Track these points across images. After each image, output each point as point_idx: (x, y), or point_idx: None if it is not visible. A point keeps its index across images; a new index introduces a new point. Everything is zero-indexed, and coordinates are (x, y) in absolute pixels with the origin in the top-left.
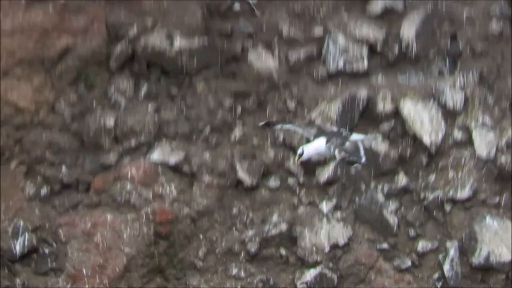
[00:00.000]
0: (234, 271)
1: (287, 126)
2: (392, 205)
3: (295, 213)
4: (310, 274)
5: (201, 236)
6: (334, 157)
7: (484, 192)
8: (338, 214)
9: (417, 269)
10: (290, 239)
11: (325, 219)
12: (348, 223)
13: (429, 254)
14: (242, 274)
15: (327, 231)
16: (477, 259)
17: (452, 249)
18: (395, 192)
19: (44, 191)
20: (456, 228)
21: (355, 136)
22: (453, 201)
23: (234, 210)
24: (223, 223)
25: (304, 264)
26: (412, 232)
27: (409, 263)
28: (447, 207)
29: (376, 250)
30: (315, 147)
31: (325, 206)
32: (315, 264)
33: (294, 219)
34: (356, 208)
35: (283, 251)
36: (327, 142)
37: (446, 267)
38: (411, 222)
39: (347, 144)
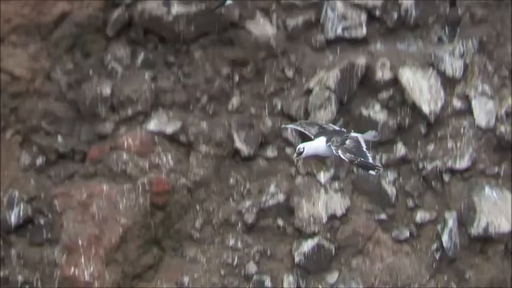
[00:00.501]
0: (231, 242)
1: (290, 125)
2: (391, 176)
3: (292, 184)
4: (307, 245)
5: (197, 207)
6: (339, 158)
7: (483, 162)
8: (336, 184)
9: (415, 240)
10: (287, 209)
11: (322, 190)
12: (346, 194)
13: (428, 224)
14: (239, 245)
15: (325, 201)
16: (476, 229)
17: (451, 219)
18: (394, 162)
19: (39, 161)
20: (454, 199)
21: (355, 134)
22: (452, 171)
23: (231, 181)
24: (220, 194)
25: (302, 235)
26: (410, 203)
27: (407, 234)
28: (446, 177)
29: (374, 220)
30: (315, 146)
31: (323, 177)
32: (312, 235)
33: (291, 189)
34: (354, 178)
35: (280, 222)
36: (327, 141)
37: (445, 238)
38: (410, 192)
39: (348, 142)
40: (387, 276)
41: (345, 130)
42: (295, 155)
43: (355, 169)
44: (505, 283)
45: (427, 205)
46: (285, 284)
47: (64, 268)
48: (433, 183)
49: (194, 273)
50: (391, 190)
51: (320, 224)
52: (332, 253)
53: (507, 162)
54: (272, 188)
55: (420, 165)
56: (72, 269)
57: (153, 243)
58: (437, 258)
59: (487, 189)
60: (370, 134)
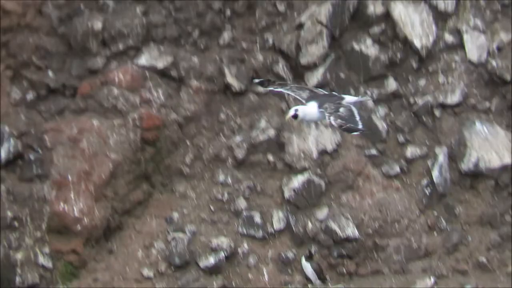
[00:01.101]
0: (221, 178)
1: (279, 89)
2: (382, 110)
3: (283, 119)
4: (297, 181)
5: (188, 142)
6: (331, 124)
7: (474, 97)
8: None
9: (405, 175)
10: (278, 145)
11: (313, 125)
12: (336, 129)
13: (418, 160)
14: (229, 180)
15: (315, 137)
16: (466, 165)
17: (441, 155)
18: (385, 97)
19: (30, 96)
20: (445, 134)
21: (348, 99)
22: (443, 106)
23: (222, 116)
24: (211, 129)
25: (292, 170)
26: (401, 138)
27: (397, 169)
28: (437, 113)
29: (364, 156)
30: (308, 112)
31: None
32: (302, 170)
33: (282, 125)
34: None
35: (270, 157)
36: (319, 107)
37: (435, 173)
38: (400, 127)
39: (341, 110)
40: (377, 211)
41: (336, 94)
42: (288, 116)
43: None
44: (495, 218)
45: (418, 140)
46: (275, 220)
47: (53, 203)
48: (424, 118)
49: (183, 209)
50: (382, 125)
51: (310, 159)
52: (322, 188)
53: (498, 97)
54: (262, 124)
55: (411, 100)
56: (62, 205)
57: (143, 179)
58: (427, 193)
59: (478, 124)
60: (363, 99)
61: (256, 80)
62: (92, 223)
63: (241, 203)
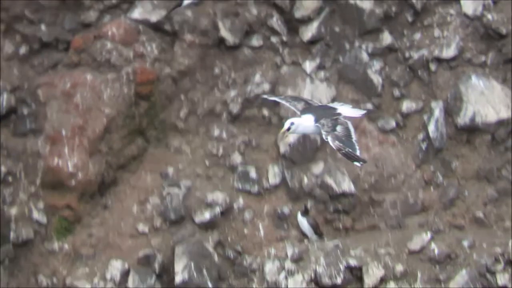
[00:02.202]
0: (216, 132)
1: (273, 98)
2: (377, 65)
3: (278, 73)
4: (293, 135)
5: (182, 97)
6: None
7: (470, 51)
8: (322, 74)
9: (401, 130)
10: None
11: (308, 79)
12: (331, 83)
13: (414, 114)
14: (224, 135)
15: (311, 91)
16: (463, 119)
17: (437, 109)
18: (380, 51)
19: (23, 50)
20: (441, 88)
21: (343, 109)
22: (439, 60)
23: (216, 70)
24: (205, 83)
25: None
26: (396, 92)
27: (393, 124)
28: (432, 66)
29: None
30: (304, 125)
31: (308, 66)
32: None
33: (277, 79)
34: (340, 67)
35: (265, 112)
36: (316, 121)
37: (431, 128)
38: (396, 82)
39: (339, 128)
40: (373, 166)
41: (331, 106)
42: (283, 130)
43: (341, 58)
44: (491, 173)
45: (414, 94)
46: (270, 175)
47: (47, 158)
48: (419, 72)
49: (178, 164)
50: (377, 79)
51: None
52: (317, 143)
53: (494, 50)
54: (257, 78)
55: (407, 54)
56: (56, 160)
57: (137, 134)
58: (424, 148)
59: (473, 78)
60: (359, 112)
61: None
62: (87, 178)
63: (236, 158)
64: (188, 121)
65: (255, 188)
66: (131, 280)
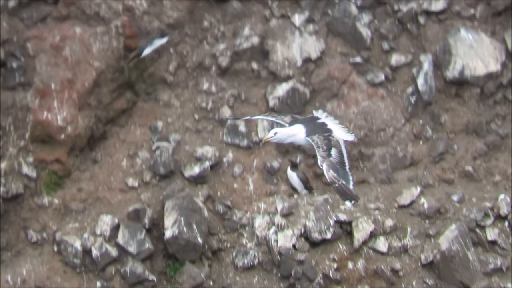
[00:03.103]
0: (205, 86)
1: (258, 117)
2: (366, 18)
3: (267, 26)
4: (282, 89)
5: (171, 50)
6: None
7: (459, 4)
8: (311, 27)
9: (390, 83)
10: (261, 52)
11: (297, 32)
12: (320, 37)
13: (403, 68)
14: (213, 88)
15: (300, 44)
16: (452, 72)
17: (426, 62)
18: (369, 4)
19: (12, 3)
20: (430, 41)
21: (333, 127)
22: (427, 13)
23: (205, 23)
24: (194, 37)
25: (276, 78)
26: (385, 46)
27: (382, 77)
28: (421, 19)
29: (349, 64)
30: (292, 133)
31: (298, 19)
32: (287, 78)
33: (266, 32)
34: (329, 20)
35: (254, 65)
36: (308, 135)
37: (420, 81)
38: (385, 35)
39: (333, 152)
40: (362, 120)
41: (318, 117)
42: (266, 138)
43: (330, 11)
44: (480, 127)
45: (403, 47)
46: (260, 129)
47: (36, 112)
48: (408, 25)
49: (167, 118)
50: (366, 32)
51: (294, 67)
52: (306, 97)
53: (482, 3)
54: (246, 31)
55: (396, 7)
56: (45, 114)
57: (127, 87)
58: (413, 102)
59: (462, 31)
60: (349, 136)
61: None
62: (76, 132)
63: (226, 112)
64: (177, 74)
65: (244, 142)
66: (120, 235)
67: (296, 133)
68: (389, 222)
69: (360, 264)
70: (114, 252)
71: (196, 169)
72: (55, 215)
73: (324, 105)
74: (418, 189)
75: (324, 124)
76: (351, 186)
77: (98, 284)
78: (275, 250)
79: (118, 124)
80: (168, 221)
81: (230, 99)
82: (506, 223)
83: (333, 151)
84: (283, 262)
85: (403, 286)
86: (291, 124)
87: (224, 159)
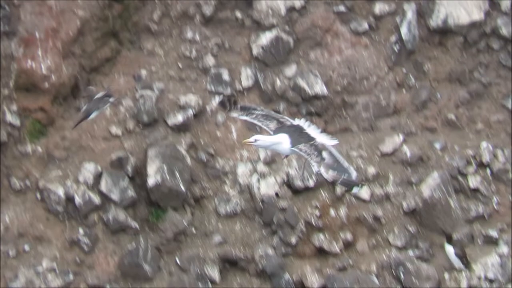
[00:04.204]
0: (189, 35)
1: (244, 117)
2: None
3: None
4: (266, 37)
5: None
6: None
7: None
8: None
9: (374, 32)
10: (246, 1)
11: None
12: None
13: (386, 16)
14: (197, 37)
15: None
16: (435, 21)
17: (410, 11)
18: None
19: None
20: None
21: (316, 136)
22: None
23: None
24: None
25: (260, 27)
26: None
27: (366, 26)
28: None
29: (332, 12)
30: (276, 142)
31: None
32: (271, 28)
33: None
34: None
35: (238, 14)
36: (293, 145)
37: (404, 30)
38: None
39: (325, 155)
40: (345, 68)
41: (301, 126)
42: (247, 140)
43: None
44: (464, 75)
45: None
46: (243, 77)
47: (21, 61)
48: None
49: (151, 66)
50: None
51: (278, 16)
52: (290, 45)
53: None
54: None
55: None
56: (29, 62)
57: (111, 36)
58: (396, 50)
59: None
60: (332, 141)
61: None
62: (60, 80)
63: (209, 60)
64: (161, 23)
65: (228, 91)
66: (103, 183)
67: (280, 142)
68: (371, 170)
69: (342, 211)
70: (97, 199)
71: (180, 118)
72: (38, 163)
73: (308, 54)
74: (401, 137)
75: (307, 134)
76: (353, 177)
77: (81, 231)
78: (258, 198)
79: (102, 72)
80: (151, 169)
81: (214, 47)
82: (488, 171)
83: (324, 154)
84: (266, 210)
85: (385, 233)
86: (275, 132)
87: (208, 108)
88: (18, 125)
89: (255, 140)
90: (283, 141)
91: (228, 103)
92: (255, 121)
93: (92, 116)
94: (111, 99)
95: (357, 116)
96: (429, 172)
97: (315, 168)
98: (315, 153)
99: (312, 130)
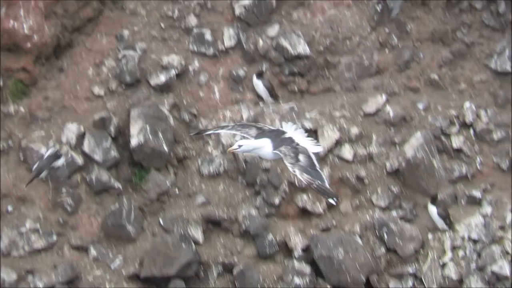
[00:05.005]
0: None
1: (220, 131)
2: None
3: None
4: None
5: None
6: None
7: None
8: None
9: None
10: None
11: None
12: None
13: None
14: None
15: None
16: None
17: None
18: None
19: None
20: None
21: (300, 140)
22: None
23: None
24: None
25: None
26: None
27: None
28: None
29: None
30: (258, 146)
31: None
32: None
33: None
34: None
35: None
36: (275, 148)
37: None
38: None
39: (301, 158)
40: (328, 28)
41: (283, 130)
42: (231, 149)
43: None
44: (446, 35)
45: None
46: (226, 37)
47: (3, 21)
48: None
49: (134, 26)
50: None
51: None
52: (273, 5)
53: None
54: None
55: None
56: (11, 22)
57: None
58: (379, 10)
59: None
60: (316, 147)
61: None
62: (42, 40)
63: (192, 20)
64: None
65: (210, 51)
66: (86, 143)
67: (263, 146)
68: (354, 130)
69: (326, 171)
70: (79, 160)
71: (162, 78)
72: (21, 123)
73: (290, 14)
74: (384, 97)
75: (290, 138)
76: (327, 185)
77: (64, 191)
78: (241, 158)
79: (84, 32)
80: (134, 129)
81: (196, 7)
82: (472, 131)
83: (301, 157)
84: (249, 170)
85: (368, 194)
86: (257, 137)
87: (190, 68)
88: (0, 86)
89: (239, 146)
90: (265, 145)
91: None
92: (233, 131)
93: (43, 174)
94: (59, 160)
95: (340, 76)
96: (412, 132)
97: (290, 168)
98: (292, 154)
99: (298, 134)
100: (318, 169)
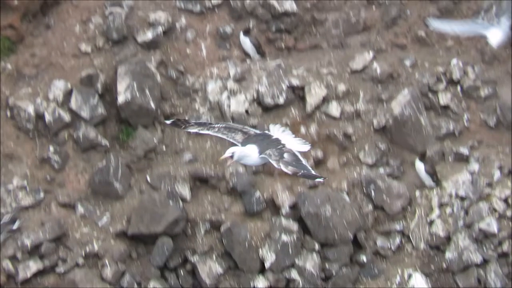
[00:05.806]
0: None
1: (206, 131)
2: None
3: None
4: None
5: None
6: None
7: None
8: None
9: None
10: None
11: None
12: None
13: None
14: None
15: None
16: None
17: None
18: None
19: None
20: None
21: (287, 141)
22: None
23: None
24: None
25: None
26: None
27: None
28: None
29: None
30: (247, 154)
31: None
32: None
33: None
34: None
35: None
36: (260, 153)
37: None
38: None
39: (286, 155)
40: None
41: (270, 134)
42: (223, 157)
43: None
44: None
45: None
46: None
47: None
48: None
49: None
50: None
51: None
52: None
53: None
54: None
55: None
56: None
57: None
58: None
59: None
60: (305, 147)
61: (168, 122)
62: None
63: None
64: None
65: (197, 8)
66: (73, 100)
67: (250, 154)
68: (341, 87)
69: (313, 128)
70: (66, 117)
71: (149, 35)
72: (8, 80)
73: None
74: (371, 54)
75: (277, 140)
76: (313, 172)
77: (51, 149)
78: (228, 115)
79: None
80: (121, 86)
81: None
82: (459, 88)
83: (286, 155)
84: None
85: (355, 150)
86: (243, 143)
87: (177, 24)
88: None
89: (233, 153)
90: (252, 153)
91: (180, 123)
92: (219, 135)
93: (16, 224)
94: (15, 224)
95: (327, 33)
96: (399, 89)
97: (275, 165)
98: (276, 154)
99: (285, 135)
100: (304, 163)
